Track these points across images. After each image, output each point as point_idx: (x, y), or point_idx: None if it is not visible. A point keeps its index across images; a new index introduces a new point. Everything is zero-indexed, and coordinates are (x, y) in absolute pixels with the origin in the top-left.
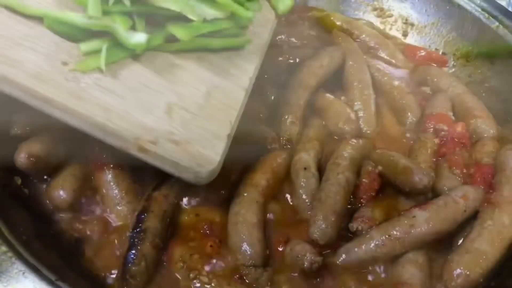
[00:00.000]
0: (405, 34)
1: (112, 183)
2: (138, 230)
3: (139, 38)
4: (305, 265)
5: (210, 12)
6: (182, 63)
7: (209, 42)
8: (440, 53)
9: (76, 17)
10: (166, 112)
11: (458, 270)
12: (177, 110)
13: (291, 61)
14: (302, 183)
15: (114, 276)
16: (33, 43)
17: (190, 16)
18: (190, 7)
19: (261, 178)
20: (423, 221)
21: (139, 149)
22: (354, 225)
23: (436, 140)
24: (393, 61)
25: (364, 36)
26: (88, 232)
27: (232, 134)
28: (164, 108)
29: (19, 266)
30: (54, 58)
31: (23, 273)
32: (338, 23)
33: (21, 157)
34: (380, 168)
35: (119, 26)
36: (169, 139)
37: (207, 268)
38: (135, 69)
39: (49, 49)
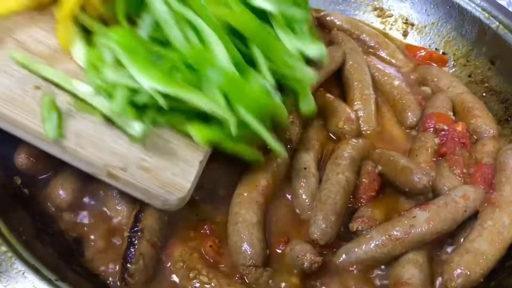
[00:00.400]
0: (405, 34)
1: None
2: (135, 229)
3: (136, 130)
4: (305, 265)
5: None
6: None
7: (221, 142)
8: (440, 53)
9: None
10: None
11: (458, 270)
12: (150, 135)
13: None
14: (302, 183)
15: (114, 275)
16: (6, 66)
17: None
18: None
19: (261, 178)
20: (423, 221)
21: (108, 175)
22: (354, 225)
23: (436, 140)
24: (393, 61)
25: (364, 36)
26: (88, 232)
27: (205, 161)
28: None
29: (19, 266)
30: (27, 82)
31: (23, 273)
32: (338, 23)
33: (21, 157)
34: (380, 168)
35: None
36: (139, 166)
37: (207, 268)
38: None
39: (22, 73)
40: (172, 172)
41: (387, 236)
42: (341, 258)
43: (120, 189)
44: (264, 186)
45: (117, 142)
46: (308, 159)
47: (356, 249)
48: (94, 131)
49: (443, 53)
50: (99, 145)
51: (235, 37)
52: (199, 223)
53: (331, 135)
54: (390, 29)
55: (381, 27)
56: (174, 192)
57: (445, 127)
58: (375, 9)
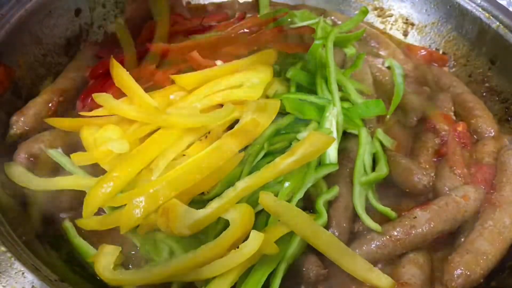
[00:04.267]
0: (405, 34)
1: None
2: None
3: None
4: (311, 278)
5: None
6: None
7: None
8: (441, 52)
9: None
10: None
11: (459, 271)
12: None
13: None
14: None
15: None
16: None
17: None
18: None
19: None
20: (424, 221)
21: None
22: (355, 226)
23: (437, 140)
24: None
25: (364, 35)
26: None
27: None
28: None
29: (18, 266)
30: None
31: (23, 273)
32: (338, 22)
33: (21, 157)
34: None
35: None
36: None
37: None
38: None
39: None
40: None
41: (388, 237)
42: None
43: None
44: None
45: None
46: None
47: (357, 250)
48: None
49: (444, 53)
50: None
51: None
52: None
53: None
54: (391, 29)
55: (381, 26)
56: None
57: (446, 127)
58: (375, 8)
